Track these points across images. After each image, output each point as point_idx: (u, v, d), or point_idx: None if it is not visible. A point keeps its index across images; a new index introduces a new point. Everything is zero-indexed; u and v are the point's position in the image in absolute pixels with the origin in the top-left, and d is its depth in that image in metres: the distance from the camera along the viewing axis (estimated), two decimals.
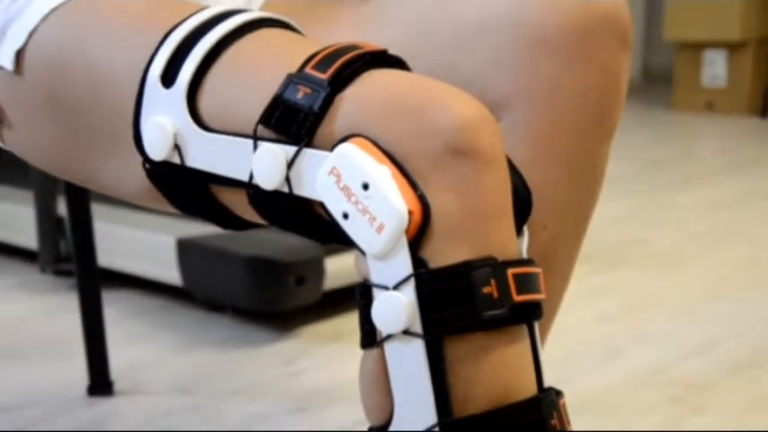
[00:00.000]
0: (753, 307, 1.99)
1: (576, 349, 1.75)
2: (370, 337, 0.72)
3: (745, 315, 1.94)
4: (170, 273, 1.91)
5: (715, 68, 4.72)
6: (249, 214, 0.81)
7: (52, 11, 0.90)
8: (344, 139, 0.70)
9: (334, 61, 0.73)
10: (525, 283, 0.71)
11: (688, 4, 4.65)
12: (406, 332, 0.68)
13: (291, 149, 0.72)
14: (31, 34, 0.91)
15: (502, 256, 0.70)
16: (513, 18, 0.90)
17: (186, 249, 1.86)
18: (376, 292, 0.70)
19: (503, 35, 0.90)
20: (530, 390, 0.71)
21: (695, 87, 4.78)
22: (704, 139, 4.15)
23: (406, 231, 0.67)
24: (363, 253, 0.70)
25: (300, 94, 0.72)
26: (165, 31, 0.82)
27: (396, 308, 0.68)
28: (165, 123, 0.79)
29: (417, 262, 0.68)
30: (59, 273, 2.14)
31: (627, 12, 0.92)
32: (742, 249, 2.42)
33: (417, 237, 0.68)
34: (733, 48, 4.63)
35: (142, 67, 0.82)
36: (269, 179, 0.73)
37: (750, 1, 4.52)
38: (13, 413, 1.50)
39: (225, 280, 1.82)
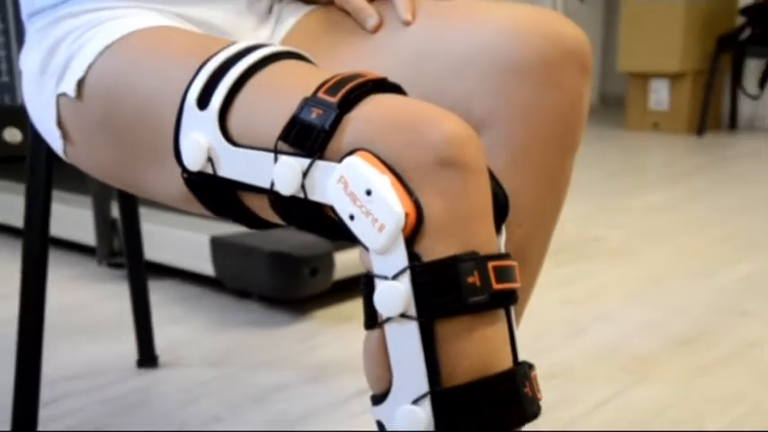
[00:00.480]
0: (692, 291, 1.98)
1: (545, 329, 1.74)
2: (372, 320, 0.72)
3: (686, 298, 1.94)
4: (205, 265, 1.91)
5: (660, 95, 4.72)
6: (270, 216, 0.81)
7: (107, 47, 0.91)
8: (351, 153, 0.70)
9: (342, 87, 0.73)
10: (503, 273, 0.70)
11: (637, 41, 4.66)
12: (403, 315, 0.69)
13: (306, 161, 0.72)
14: (89, 67, 0.91)
15: (483, 251, 0.70)
16: (492, 51, 0.89)
17: (218, 245, 1.86)
18: (377, 282, 0.70)
19: (484, 66, 0.89)
20: (506, 363, 0.71)
21: (643, 110, 4.78)
22: (651, 153, 4.15)
23: (403, 230, 0.68)
24: (367, 249, 0.70)
25: (314, 115, 0.72)
26: (200, 62, 0.82)
27: (394, 295, 0.68)
28: (200, 140, 0.79)
29: (412, 256, 0.68)
30: (113, 265, 2.13)
31: (588, 46, 0.92)
32: (682, 244, 2.42)
33: (412, 235, 0.68)
34: (674, 78, 4.64)
35: (181, 92, 0.82)
36: (287, 186, 0.73)
37: (687, 40, 4.53)
38: (76, 381, 1.50)
39: (251, 271, 1.81)
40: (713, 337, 1.71)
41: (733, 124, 4.84)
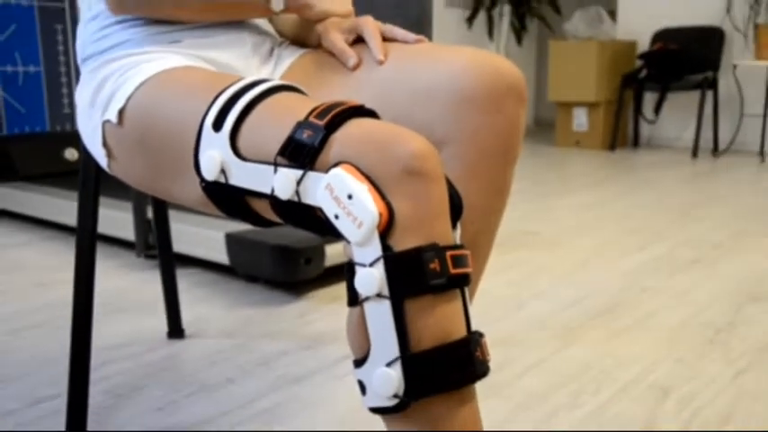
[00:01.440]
0: (607, 273, 1.99)
1: (493, 304, 1.74)
2: (354, 298, 0.71)
3: (602, 279, 1.94)
4: (221, 256, 1.89)
5: (580, 119, 4.75)
6: (272, 216, 0.80)
7: (142, 83, 0.91)
8: (335, 165, 0.70)
9: (328, 113, 0.73)
10: (458, 261, 0.70)
11: (562, 78, 4.69)
12: (378, 295, 0.68)
13: (300, 172, 0.72)
14: (128, 99, 0.91)
15: (443, 242, 0.69)
16: (449, 85, 0.89)
17: (232, 240, 1.85)
18: (357, 268, 0.69)
19: (443, 96, 0.89)
20: (462, 333, 0.71)
21: (568, 131, 4.81)
22: (574, 165, 4.17)
23: (378, 227, 0.67)
24: (349, 242, 0.69)
25: (306, 135, 0.72)
26: (215, 94, 0.82)
27: (371, 279, 0.68)
28: (215, 155, 0.79)
29: (385, 247, 0.68)
30: (148, 256, 2.12)
31: (524, 81, 0.92)
32: (599, 236, 2.43)
33: (385, 231, 0.68)
34: (591, 106, 4.68)
35: (200, 118, 0.82)
36: (284, 192, 0.73)
37: (600, 78, 4.59)
38: (119, 350, 1.49)
39: (258, 261, 1.80)
40: (623, 309, 1.72)
41: (636, 142, 4.90)
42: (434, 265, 0.68)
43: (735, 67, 4.31)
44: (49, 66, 3.25)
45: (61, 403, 1.25)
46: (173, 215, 2.01)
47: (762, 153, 4.17)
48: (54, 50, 3.27)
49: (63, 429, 1.16)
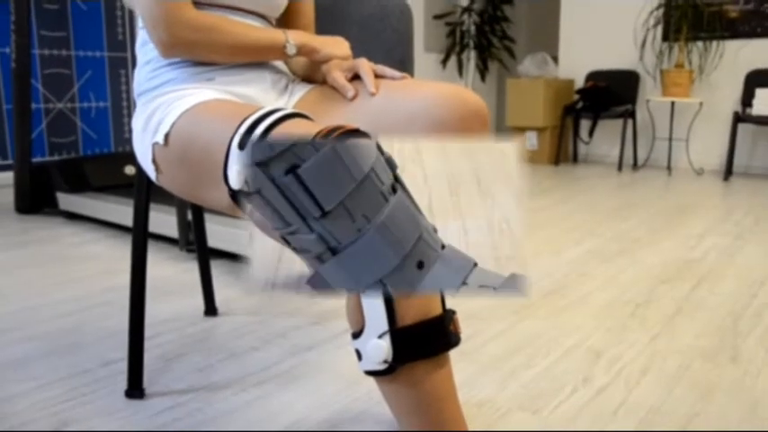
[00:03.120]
0: (554, 261, 1.99)
1: None
2: None
3: (550, 265, 1.94)
4: (246, 249, 1.87)
5: (532, 140, 4.76)
6: None
7: (183, 113, 0.90)
8: None
9: (331, 134, 0.72)
10: None
11: (517, 107, 4.70)
12: None
13: None
14: (172, 125, 0.90)
15: None
16: (427, 112, 0.89)
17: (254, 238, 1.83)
18: None
19: (422, 120, 0.89)
20: (438, 311, 0.70)
21: (522, 150, 4.82)
22: (527, 177, 4.17)
23: None
24: None
25: None
26: (241, 120, 0.80)
27: None
28: (239, 169, 0.77)
29: None
30: (189, 250, 2.10)
31: (486, 109, 0.91)
32: (547, 233, 2.42)
33: None
34: (539, 130, 4.68)
35: (228, 140, 0.80)
36: None
37: (546, 107, 4.60)
38: (167, 324, 1.47)
39: None
40: (566, 289, 1.71)
41: (575, 159, 4.90)
42: None
43: (648, 101, 4.39)
44: (114, 101, 3.47)
45: (124, 365, 1.24)
46: (208, 217, 1.99)
47: (669, 168, 4.23)
48: (118, 89, 3.47)
49: (125, 385, 1.15)
